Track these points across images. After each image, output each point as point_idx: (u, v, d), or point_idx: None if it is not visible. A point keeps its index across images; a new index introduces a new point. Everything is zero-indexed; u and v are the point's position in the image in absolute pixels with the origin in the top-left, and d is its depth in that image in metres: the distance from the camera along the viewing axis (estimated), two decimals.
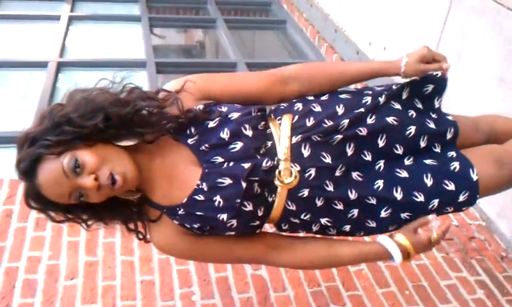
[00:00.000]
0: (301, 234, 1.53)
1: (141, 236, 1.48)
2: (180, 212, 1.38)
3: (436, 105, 1.56)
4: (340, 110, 1.44)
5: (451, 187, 1.44)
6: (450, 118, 1.56)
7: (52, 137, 1.26)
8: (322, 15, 4.86)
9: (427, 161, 1.47)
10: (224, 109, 1.40)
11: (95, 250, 2.50)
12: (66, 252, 2.47)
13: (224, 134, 1.35)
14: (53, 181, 1.25)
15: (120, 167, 1.28)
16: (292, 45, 5.25)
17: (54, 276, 2.35)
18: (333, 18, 4.66)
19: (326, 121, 1.41)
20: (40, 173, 1.26)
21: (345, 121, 1.40)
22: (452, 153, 1.50)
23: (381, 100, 1.47)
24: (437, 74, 1.56)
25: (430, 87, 1.54)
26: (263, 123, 1.40)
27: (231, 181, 1.33)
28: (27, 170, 1.26)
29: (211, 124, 1.37)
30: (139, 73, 4.18)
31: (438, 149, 1.51)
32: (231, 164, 1.34)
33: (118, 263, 2.45)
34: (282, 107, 1.49)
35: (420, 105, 1.54)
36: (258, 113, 1.40)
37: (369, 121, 1.43)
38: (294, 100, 1.50)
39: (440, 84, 1.55)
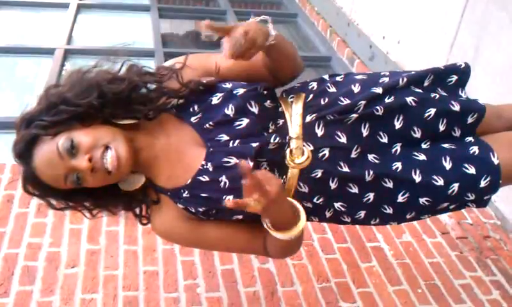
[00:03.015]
0: (315, 221, 1.46)
1: (145, 222, 1.42)
2: (184, 195, 1.32)
3: (463, 96, 1.49)
4: (356, 88, 1.39)
5: (471, 170, 1.37)
6: (479, 101, 1.48)
7: (47, 117, 1.23)
8: (334, 8, 4.77)
9: (445, 145, 1.40)
10: (228, 85, 1.34)
11: (98, 238, 2.43)
12: (67, 240, 2.40)
13: (229, 110, 1.29)
14: (48, 163, 1.22)
15: (114, 147, 1.23)
16: (303, 38, 5.17)
17: (54, 264, 2.28)
18: (346, 11, 4.57)
19: (342, 99, 1.35)
20: (36, 155, 1.22)
21: (362, 102, 1.34)
22: (471, 138, 1.43)
23: (401, 82, 1.39)
24: (460, 65, 1.49)
25: (454, 79, 1.47)
26: (270, 101, 1.35)
27: (238, 161, 1.26)
28: (23, 152, 1.23)
29: (215, 100, 1.31)
30: (147, 62, 4.12)
31: (457, 134, 1.44)
32: (237, 142, 1.28)
33: (120, 252, 2.37)
34: (296, 87, 1.44)
35: (443, 93, 1.46)
36: (265, 91, 1.35)
37: (387, 100, 1.36)
38: (309, 80, 1.46)
39: (464, 74, 1.49)
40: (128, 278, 2.25)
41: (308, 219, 1.41)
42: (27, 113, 1.26)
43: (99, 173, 1.22)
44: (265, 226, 1.25)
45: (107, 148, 1.22)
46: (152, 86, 1.33)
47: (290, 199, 1.27)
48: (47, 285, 2.18)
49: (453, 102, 1.41)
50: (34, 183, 1.26)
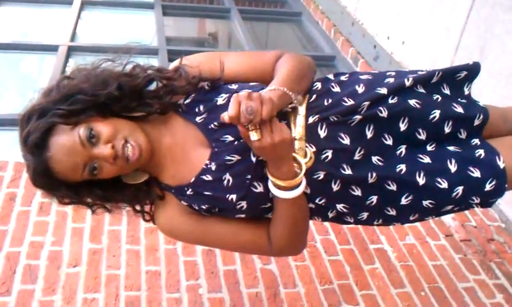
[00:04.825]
0: (318, 221, 1.46)
1: (148, 218, 1.43)
2: (188, 192, 1.33)
3: (466, 92, 1.48)
4: (360, 89, 1.37)
5: (476, 174, 1.35)
6: (480, 104, 1.47)
7: (64, 106, 1.22)
8: (338, 8, 4.75)
9: (451, 147, 1.39)
10: (234, 86, 1.35)
11: (100, 237, 2.42)
12: (69, 239, 2.40)
13: None
14: (68, 151, 1.20)
15: (134, 138, 1.24)
16: (307, 37, 5.15)
17: (56, 263, 2.27)
18: (350, 10, 4.55)
19: (346, 100, 1.33)
20: (53, 144, 1.20)
21: (366, 103, 1.32)
22: (476, 141, 1.42)
23: (407, 82, 1.37)
24: (470, 62, 1.47)
25: (463, 74, 1.46)
26: None
27: (239, 158, 1.28)
28: (39, 142, 1.20)
29: (220, 101, 1.31)
30: (150, 60, 4.11)
31: (463, 136, 1.42)
32: (241, 141, 1.27)
33: (123, 252, 2.37)
34: None
35: (447, 91, 1.45)
36: None
37: (391, 101, 1.34)
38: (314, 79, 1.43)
39: (473, 71, 1.47)
40: (130, 278, 2.25)
41: (310, 219, 1.42)
42: (38, 104, 1.24)
43: (119, 162, 1.23)
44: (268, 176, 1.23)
45: (126, 141, 1.23)
46: (163, 82, 1.34)
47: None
48: (48, 284, 2.17)
49: (455, 105, 1.40)
50: (45, 175, 1.23)
